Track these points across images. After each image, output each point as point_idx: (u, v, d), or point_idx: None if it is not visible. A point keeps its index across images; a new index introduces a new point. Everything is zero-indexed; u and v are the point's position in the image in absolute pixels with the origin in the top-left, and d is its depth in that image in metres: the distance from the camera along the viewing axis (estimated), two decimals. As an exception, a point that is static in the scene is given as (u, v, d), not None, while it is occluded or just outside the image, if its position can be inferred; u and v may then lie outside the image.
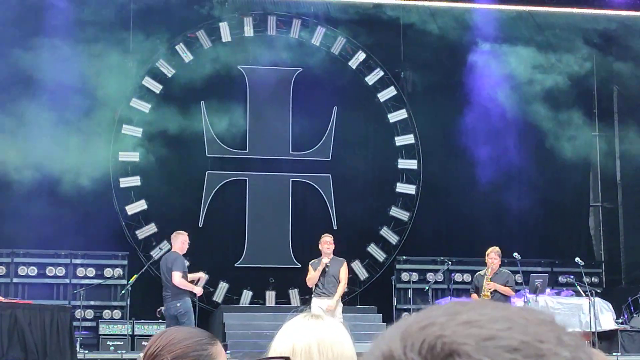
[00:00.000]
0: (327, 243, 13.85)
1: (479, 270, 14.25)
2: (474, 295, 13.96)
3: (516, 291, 14.28)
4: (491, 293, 13.59)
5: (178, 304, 13.43)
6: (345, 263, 13.95)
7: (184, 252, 13.76)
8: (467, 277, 17.45)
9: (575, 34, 18.91)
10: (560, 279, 17.98)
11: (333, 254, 13.85)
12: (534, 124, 18.79)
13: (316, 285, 13.70)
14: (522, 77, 18.60)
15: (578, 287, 15.57)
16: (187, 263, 13.76)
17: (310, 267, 13.89)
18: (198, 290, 13.83)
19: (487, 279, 13.68)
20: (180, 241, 13.76)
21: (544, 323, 0.92)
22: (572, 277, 16.33)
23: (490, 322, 0.91)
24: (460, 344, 0.88)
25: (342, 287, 13.81)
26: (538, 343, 0.89)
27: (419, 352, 0.89)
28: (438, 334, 0.89)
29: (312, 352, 2.57)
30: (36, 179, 16.55)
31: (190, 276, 13.82)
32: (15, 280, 16.84)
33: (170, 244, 14.21)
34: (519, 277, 15.54)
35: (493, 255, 13.86)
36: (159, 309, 14.82)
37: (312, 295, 13.94)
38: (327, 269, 13.69)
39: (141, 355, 2.64)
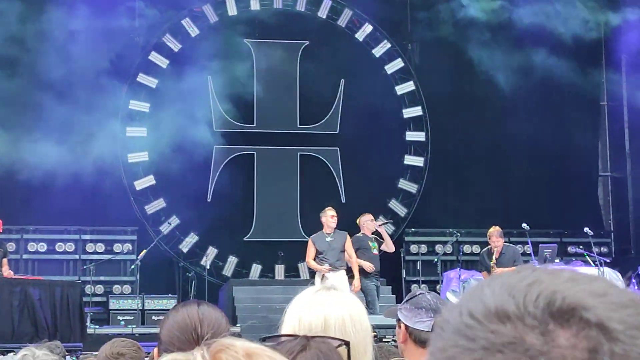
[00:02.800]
0: (333, 217, 13.70)
1: (487, 243, 14.19)
2: (485, 274, 13.89)
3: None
4: (501, 277, 13.52)
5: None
6: (349, 237, 13.84)
7: (364, 232, 13.93)
8: (476, 249, 17.45)
9: (583, 2, 18.81)
10: (570, 249, 17.97)
11: (336, 229, 13.77)
12: (542, 95, 18.75)
13: (321, 259, 13.52)
14: (527, 46, 18.52)
15: (587, 257, 15.55)
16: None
17: (310, 243, 13.73)
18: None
19: (493, 264, 13.57)
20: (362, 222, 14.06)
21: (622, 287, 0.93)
22: (581, 247, 16.31)
23: (591, 280, 0.91)
24: (581, 299, 0.88)
25: (355, 262, 13.71)
26: (638, 300, 0.90)
27: (536, 306, 0.88)
28: (552, 289, 0.89)
29: (346, 325, 2.55)
30: (45, 155, 16.55)
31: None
32: (25, 256, 16.90)
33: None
34: (528, 248, 15.55)
35: (495, 238, 13.75)
36: None
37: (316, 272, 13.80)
38: (331, 243, 13.58)
39: (166, 327, 2.63)
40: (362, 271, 13.68)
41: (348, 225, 15.03)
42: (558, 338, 0.86)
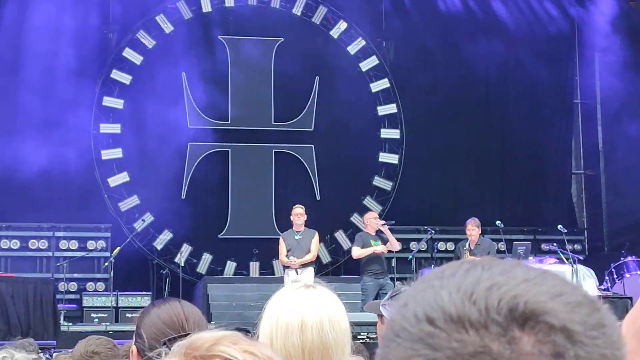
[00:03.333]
0: (297, 215, 13.83)
1: (462, 239, 14.31)
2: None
3: (499, 260, 14.33)
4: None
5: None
6: (317, 235, 13.96)
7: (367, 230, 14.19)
8: (450, 246, 17.49)
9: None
10: (543, 246, 18.04)
11: (305, 226, 13.87)
12: (515, 93, 18.85)
13: (288, 257, 13.67)
14: (501, 45, 18.61)
15: (561, 254, 15.62)
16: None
17: (281, 240, 13.87)
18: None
19: (467, 252, 13.73)
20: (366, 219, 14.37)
21: (565, 278, 0.93)
22: (554, 244, 16.38)
23: (543, 278, 0.90)
24: (540, 302, 0.87)
25: (310, 257, 13.77)
26: (589, 296, 0.90)
27: (498, 313, 0.87)
28: (512, 293, 0.87)
29: (323, 326, 2.53)
30: (17, 152, 16.46)
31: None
32: (-3, 253, 16.78)
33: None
34: (502, 245, 15.60)
35: (471, 227, 13.95)
36: None
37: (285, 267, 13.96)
38: (299, 241, 13.71)
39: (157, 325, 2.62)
40: (362, 270, 14.00)
41: (323, 222, 15.06)
42: (524, 345, 0.86)
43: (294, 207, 14.06)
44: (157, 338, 2.56)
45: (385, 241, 14.04)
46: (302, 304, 2.56)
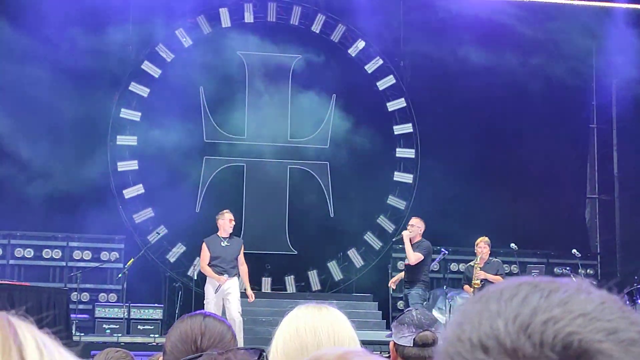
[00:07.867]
0: (231, 221, 13.58)
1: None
2: (467, 287, 13.96)
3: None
4: (481, 282, 13.60)
5: None
6: (242, 244, 13.80)
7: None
8: (462, 267, 17.47)
9: (575, 25, 18.89)
10: (556, 270, 17.97)
11: (232, 234, 13.78)
12: (531, 117, 18.84)
13: (214, 265, 13.31)
14: (518, 68, 18.60)
15: (574, 278, 15.57)
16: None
17: (204, 246, 13.55)
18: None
19: (477, 268, 13.69)
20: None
21: (625, 307, 0.94)
22: (568, 268, 16.37)
23: (601, 311, 0.91)
24: (595, 342, 0.88)
25: (245, 272, 13.58)
26: None
27: (553, 349, 0.87)
28: (568, 330, 0.88)
29: (321, 341, 2.57)
30: (33, 161, 16.54)
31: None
32: (11, 262, 16.85)
33: None
34: (514, 268, 15.58)
35: (482, 244, 13.86)
36: None
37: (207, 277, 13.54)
38: (227, 248, 13.45)
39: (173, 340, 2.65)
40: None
41: (336, 239, 14.96)
42: None
43: (224, 212, 13.76)
44: (173, 352, 2.58)
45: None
46: (300, 319, 2.61)
